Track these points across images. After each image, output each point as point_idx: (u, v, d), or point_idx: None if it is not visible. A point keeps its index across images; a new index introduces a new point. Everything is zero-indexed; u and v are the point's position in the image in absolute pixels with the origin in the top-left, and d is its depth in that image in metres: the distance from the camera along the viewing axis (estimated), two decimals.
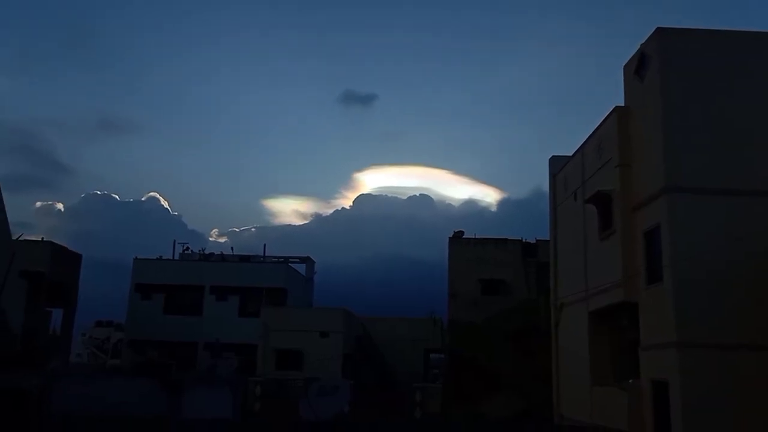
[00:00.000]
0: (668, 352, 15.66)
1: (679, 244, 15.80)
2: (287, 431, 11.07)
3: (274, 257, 46.31)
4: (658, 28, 17.28)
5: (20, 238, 30.94)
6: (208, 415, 16.43)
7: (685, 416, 14.85)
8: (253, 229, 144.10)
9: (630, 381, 17.66)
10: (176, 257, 45.04)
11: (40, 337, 29.79)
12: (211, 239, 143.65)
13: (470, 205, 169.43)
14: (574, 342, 21.89)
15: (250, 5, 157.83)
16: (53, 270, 32.89)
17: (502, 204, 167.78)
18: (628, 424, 16.69)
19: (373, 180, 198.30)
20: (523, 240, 35.49)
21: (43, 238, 36.28)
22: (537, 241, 34.54)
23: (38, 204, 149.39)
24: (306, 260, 48.48)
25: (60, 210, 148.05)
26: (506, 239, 35.51)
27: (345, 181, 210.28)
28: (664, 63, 16.99)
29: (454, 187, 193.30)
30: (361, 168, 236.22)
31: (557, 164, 25.05)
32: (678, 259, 15.67)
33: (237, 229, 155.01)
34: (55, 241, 35.56)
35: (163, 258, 44.38)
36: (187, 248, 46.36)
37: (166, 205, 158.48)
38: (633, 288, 17.53)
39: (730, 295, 15.51)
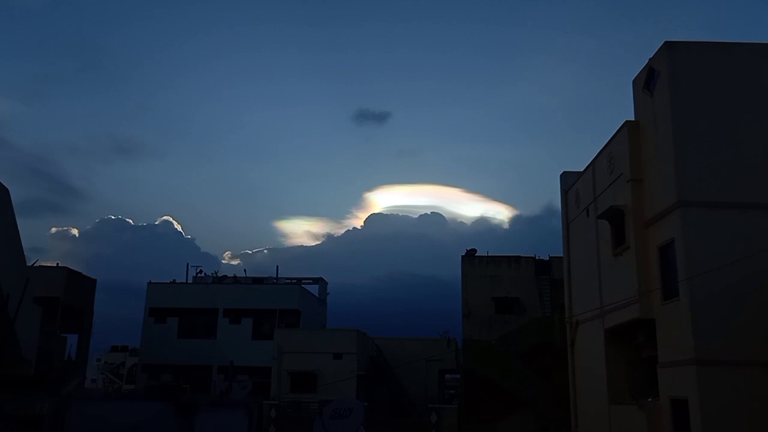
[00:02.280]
0: (687, 369, 15.41)
1: (695, 259, 15.62)
2: None
3: (287, 278, 46.35)
4: (666, 42, 17.27)
5: (35, 264, 31.20)
6: None
7: None
8: (265, 251, 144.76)
9: (649, 399, 17.39)
10: (189, 280, 45.19)
11: (55, 363, 29.86)
12: (224, 261, 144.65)
13: (482, 222, 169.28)
14: (590, 360, 21.63)
15: (262, 25, 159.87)
16: (68, 295, 33.07)
17: (514, 221, 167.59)
18: None
19: (384, 199, 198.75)
20: (536, 257, 35.26)
21: (58, 263, 36.60)
22: (550, 257, 34.31)
23: (53, 230, 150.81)
24: (319, 281, 48.47)
25: (75, 235, 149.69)
26: (519, 257, 35.29)
27: (356, 201, 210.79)
28: (673, 77, 16.94)
29: (466, 205, 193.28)
30: (371, 187, 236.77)
31: (568, 180, 24.95)
32: (694, 274, 15.48)
33: (250, 251, 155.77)
34: (70, 266, 35.82)
35: (177, 281, 44.53)
36: (201, 271, 46.57)
37: (179, 228, 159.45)
38: (648, 304, 17.33)
39: (748, 310, 15.28)
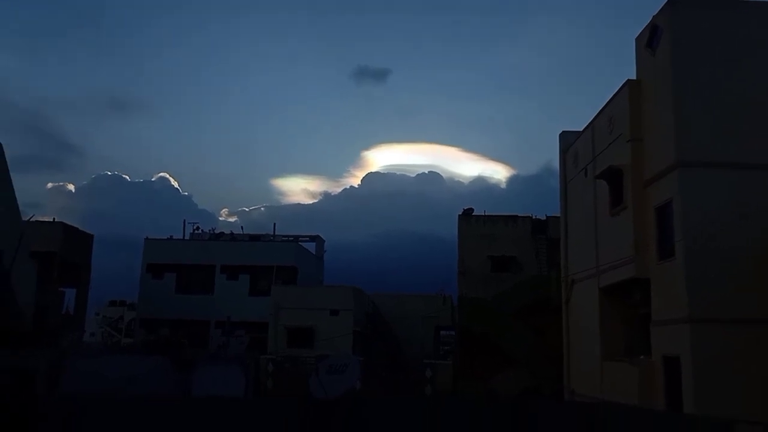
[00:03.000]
0: (680, 327, 15.53)
1: (691, 219, 15.60)
2: (288, 408, 11.11)
3: (284, 236, 46.39)
4: None
5: (32, 219, 31.15)
6: (218, 393, 16.52)
7: (697, 391, 14.76)
8: (262, 208, 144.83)
9: (642, 357, 17.57)
10: (187, 237, 45.21)
11: (53, 317, 30.05)
12: (221, 219, 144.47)
13: (480, 182, 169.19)
14: (584, 318, 21.80)
15: None
16: (65, 250, 33.14)
17: (511, 181, 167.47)
18: (639, 399, 16.63)
19: (382, 158, 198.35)
20: (533, 216, 35.19)
21: (54, 218, 36.51)
22: (547, 217, 34.27)
23: (49, 185, 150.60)
24: (316, 239, 48.54)
25: (71, 191, 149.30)
26: (516, 216, 35.24)
27: (353, 159, 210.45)
28: (676, 35, 16.64)
29: (464, 164, 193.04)
30: (369, 146, 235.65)
31: (567, 140, 24.75)
32: (690, 234, 15.48)
33: (247, 209, 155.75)
34: (67, 222, 35.76)
35: (174, 238, 44.56)
36: (198, 228, 46.58)
37: (176, 185, 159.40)
38: (644, 264, 17.37)
39: (742, 270, 15.33)
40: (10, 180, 22.72)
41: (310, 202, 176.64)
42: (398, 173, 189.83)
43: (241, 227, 49.47)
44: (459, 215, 35.59)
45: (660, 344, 16.69)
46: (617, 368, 18.76)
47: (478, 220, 35.28)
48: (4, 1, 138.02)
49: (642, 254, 17.43)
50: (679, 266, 15.68)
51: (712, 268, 15.36)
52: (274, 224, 47.20)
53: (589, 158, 21.73)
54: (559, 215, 25.89)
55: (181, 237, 44.92)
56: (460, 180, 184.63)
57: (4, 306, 20.55)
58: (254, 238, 45.69)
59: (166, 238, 44.26)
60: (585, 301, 21.82)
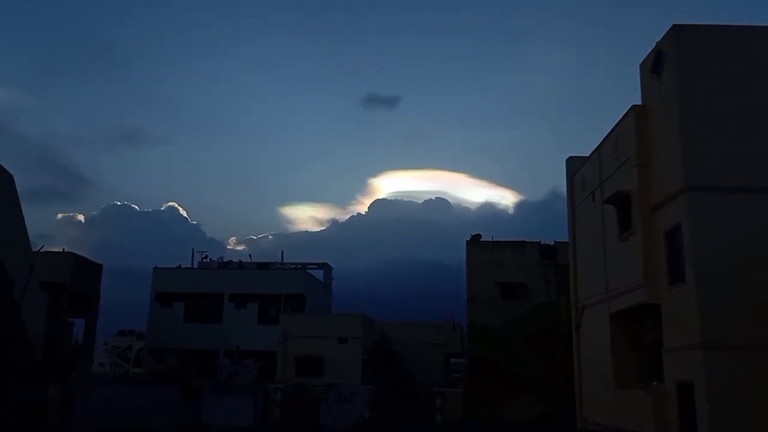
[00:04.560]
0: (693, 353, 15.39)
1: (701, 243, 15.55)
2: None
3: (292, 264, 46.44)
4: (673, 25, 17.07)
5: (41, 250, 31.32)
6: (227, 422, 16.45)
7: (712, 418, 14.57)
8: (270, 237, 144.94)
9: (654, 384, 17.39)
10: (195, 266, 45.33)
11: (63, 348, 30.03)
12: (229, 247, 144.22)
13: (487, 207, 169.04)
14: (595, 344, 21.63)
15: (269, 11, 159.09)
16: (75, 281, 33.20)
17: (519, 206, 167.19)
18: (654, 426, 16.43)
19: (389, 185, 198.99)
20: (542, 242, 35.17)
21: (64, 249, 36.70)
22: (555, 243, 34.23)
23: (59, 216, 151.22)
24: (324, 266, 48.58)
25: (81, 221, 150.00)
26: (524, 242, 35.20)
27: (360, 186, 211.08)
28: (681, 60, 16.76)
29: (471, 190, 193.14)
30: (376, 173, 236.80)
31: (574, 165, 24.82)
32: (700, 258, 15.41)
33: (255, 237, 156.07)
34: (77, 252, 35.93)
35: (183, 267, 44.67)
36: (206, 256, 46.73)
37: (184, 214, 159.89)
38: (655, 289, 17.27)
39: (755, 294, 15.21)
40: (21, 211, 22.92)
41: (318, 229, 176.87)
42: (405, 200, 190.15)
43: (249, 255, 49.51)
44: (467, 241, 35.59)
45: (673, 370, 16.52)
46: (630, 395, 18.56)
47: (486, 246, 35.26)
48: (14, 37, 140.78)
49: (652, 279, 17.34)
50: (690, 291, 15.59)
51: (724, 292, 15.25)
52: (282, 252, 47.52)
53: (597, 183, 21.77)
54: (567, 241, 25.85)
55: (190, 266, 45.03)
56: (468, 206, 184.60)
57: (15, 337, 20.59)
58: (262, 266, 45.76)
59: (174, 267, 44.38)
60: (595, 327, 21.67)
